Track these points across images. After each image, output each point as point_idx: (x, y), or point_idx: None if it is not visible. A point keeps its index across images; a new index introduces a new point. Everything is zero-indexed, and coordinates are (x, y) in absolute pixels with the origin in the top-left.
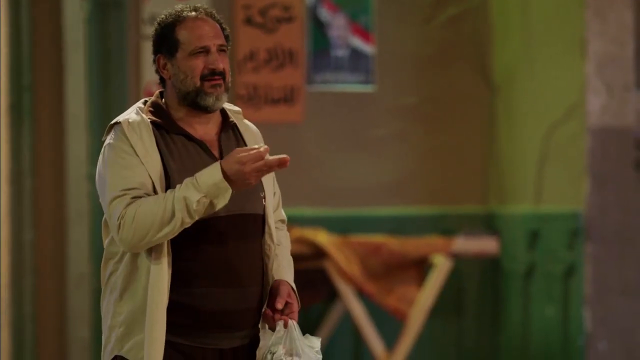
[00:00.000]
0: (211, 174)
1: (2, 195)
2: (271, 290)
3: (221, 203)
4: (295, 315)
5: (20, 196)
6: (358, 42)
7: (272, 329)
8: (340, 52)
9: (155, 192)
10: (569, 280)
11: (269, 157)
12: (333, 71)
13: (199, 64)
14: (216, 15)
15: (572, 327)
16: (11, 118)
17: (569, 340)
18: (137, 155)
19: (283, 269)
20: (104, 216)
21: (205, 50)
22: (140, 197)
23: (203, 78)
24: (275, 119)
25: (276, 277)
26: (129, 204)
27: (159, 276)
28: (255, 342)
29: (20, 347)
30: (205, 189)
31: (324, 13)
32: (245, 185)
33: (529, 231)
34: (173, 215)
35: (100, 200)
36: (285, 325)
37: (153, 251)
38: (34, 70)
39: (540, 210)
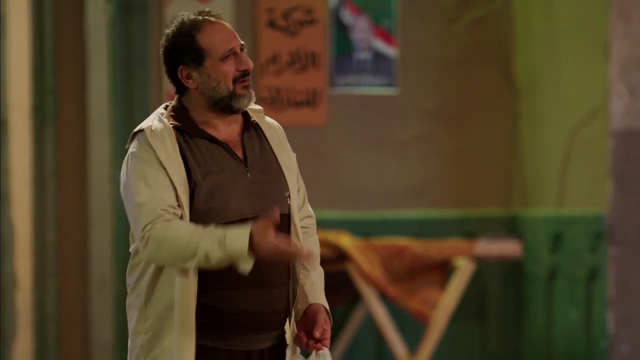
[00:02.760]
0: (239, 239)
1: (25, 198)
2: (308, 314)
3: (242, 268)
4: (328, 341)
5: (43, 198)
6: (381, 45)
7: (302, 351)
8: (363, 55)
9: (178, 201)
10: (592, 283)
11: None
12: (356, 74)
13: (230, 68)
14: (222, 16)
15: (595, 330)
16: (34, 120)
17: (592, 343)
18: (161, 164)
19: (317, 289)
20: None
21: (233, 53)
22: (165, 210)
23: (235, 81)
24: (298, 122)
25: (310, 299)
26: (156, 218)
27: (186, 281)
28: (281, 343)
29: (43, 350)
30: (229, 252)
31: (347, 16)
32: (266, 257)
33: (551, 234)
34: (193, 257)
35: (125, 208)
36: (320, 354)
37: None
38: (57, 73)
39: (563, 213)
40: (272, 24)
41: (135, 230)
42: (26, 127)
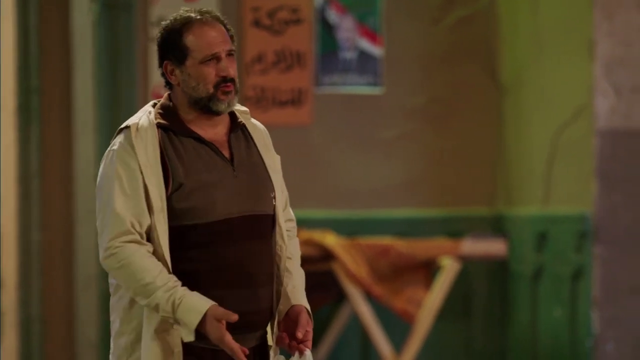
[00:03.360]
0: (192, 314)
1: (10, 197)
2: (290, 315)
3: (183, 336)
4: (310, 342)
5: (28, 197)
6: (366, 44)
7: (284, 352)
8: (349, 54)
9: (151, 209)
10: (577, 282)
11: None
12: (341, 73)
13: (210, 71)
14: (221, 17)
15: (580, 328)
16: (19, 119)
17: (577, 342)
18: (139, 166)
19: (298, 291)
20: None
21: (216, 58)
22: (133, 227)
23: (216, 85)
24: (283, 121)
25: (293, 301)
26: (125, 234)
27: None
28: (264, 343)
29: (28, 349)
30: (178, 317)
31: (332, 15)
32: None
33: (537, 233)
34: (146, 298)
35: (96, 204)
36: (302, 355)
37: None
38: (42, 72)
39: (548, 212)
40: (257, 23)
41: (101, 235)
42: (11, 126)
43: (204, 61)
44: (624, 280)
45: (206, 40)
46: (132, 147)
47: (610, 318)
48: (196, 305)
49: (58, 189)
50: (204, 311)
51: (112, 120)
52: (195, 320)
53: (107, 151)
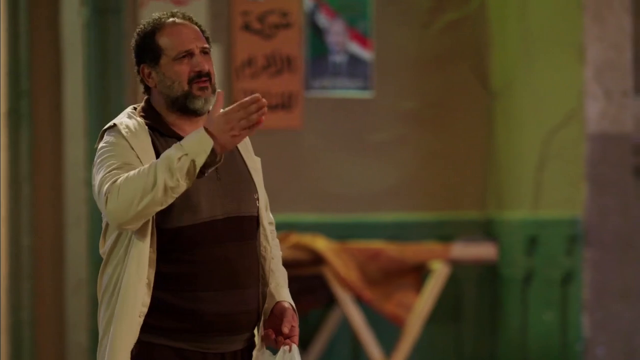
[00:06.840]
0: (194, 133)
1: (1, 201)
2: (274, 312)
3: (201, 159)
4: (297, 338)
5: (18, 201)
6: (356, 48)
7: (270, 348)
8: (339, 58)
9: None
10: (567, 286)
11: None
12: (331, 77)
13: (184, 68)
14: (194, 19)
15: (570, 332)
16: (9, 123)
17: (567, 346)
18: (137, 155)
19: (282, 288)
20: (103, 224)
21: (189, 54)
22: None
23: (190, 81)
24: (273, 125)
25: (277, 297)
26: (118, 179)
27: (136, 280)
28: (252, 346)
29: (18, 353)
30: (188, 146)
31: (322, 19)
32: (229, 141)
33: (527, 237)
34: (156, 180)
35: (96, 200)
36: (290, 350)
37: (135, 257)
38: (32, 76)
39: (538, 216)
40: (247, 27)
41: (100, 200)
42: (1, 130)
43: (177, 58)
44: (614, 283)
45: (179, 38)
46: (125, 139)
47: (600, 322)
48: (193, 132)
49: (48, 193)
50: (202, 127)
51: (102, 123)
52: (201, 131)
53: (99, 147)
